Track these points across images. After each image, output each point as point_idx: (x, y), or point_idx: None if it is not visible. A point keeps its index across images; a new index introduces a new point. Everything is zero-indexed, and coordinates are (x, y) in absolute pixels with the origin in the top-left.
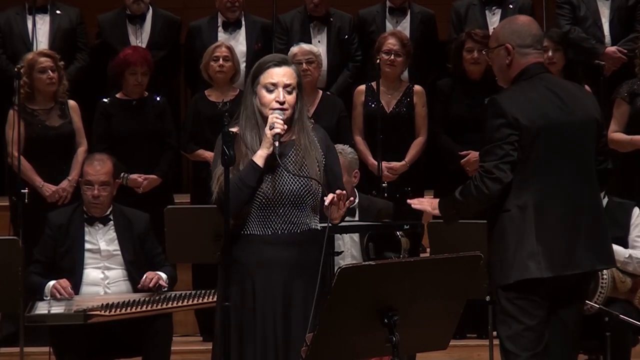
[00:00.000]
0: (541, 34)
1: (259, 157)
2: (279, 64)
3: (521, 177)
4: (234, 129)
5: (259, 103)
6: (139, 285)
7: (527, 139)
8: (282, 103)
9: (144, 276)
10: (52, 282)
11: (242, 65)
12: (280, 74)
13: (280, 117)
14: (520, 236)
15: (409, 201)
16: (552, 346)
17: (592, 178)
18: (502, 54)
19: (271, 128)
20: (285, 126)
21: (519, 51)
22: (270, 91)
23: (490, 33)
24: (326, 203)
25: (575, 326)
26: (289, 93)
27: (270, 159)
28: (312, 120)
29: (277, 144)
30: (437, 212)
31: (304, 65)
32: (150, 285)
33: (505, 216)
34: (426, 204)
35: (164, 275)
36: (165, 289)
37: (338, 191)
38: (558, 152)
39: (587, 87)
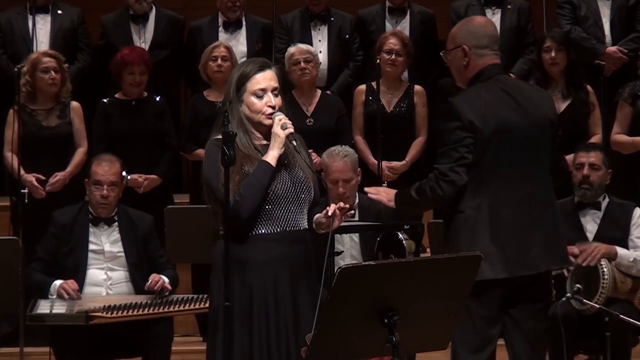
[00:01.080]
0: (497, 35)
1: (272, 158)
2: (262, 68)
3: (475, 179)
4: (219, 136)
5: (248, 110)
6: (146, 287)
7: (481, 141)
8: (273, 107)
9: (150, 278)
10: (58, 282)
11: None
12: (268, 78)
13: (286, 118)
14: (474, 237)
15: (366, 189)
16: (513, 349)
17: (546, 179)
18: (459, 55)
19: (284, 129)
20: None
21: (475, 52)
22: (260, 97)
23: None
24: (329, 213)
25: (532, 328)
26: (276, 96)
27: (280, 159)
28: (312, 120)
29: (295, 142)
30: (392, 203)
31: (302, 64)
32: (156, 288)
33: (460, 217)
34: (383, 194)
35: (166, 279)
36: (169, 292)
37: (341, 204)
38: (512, 154)
39: (588, 87)
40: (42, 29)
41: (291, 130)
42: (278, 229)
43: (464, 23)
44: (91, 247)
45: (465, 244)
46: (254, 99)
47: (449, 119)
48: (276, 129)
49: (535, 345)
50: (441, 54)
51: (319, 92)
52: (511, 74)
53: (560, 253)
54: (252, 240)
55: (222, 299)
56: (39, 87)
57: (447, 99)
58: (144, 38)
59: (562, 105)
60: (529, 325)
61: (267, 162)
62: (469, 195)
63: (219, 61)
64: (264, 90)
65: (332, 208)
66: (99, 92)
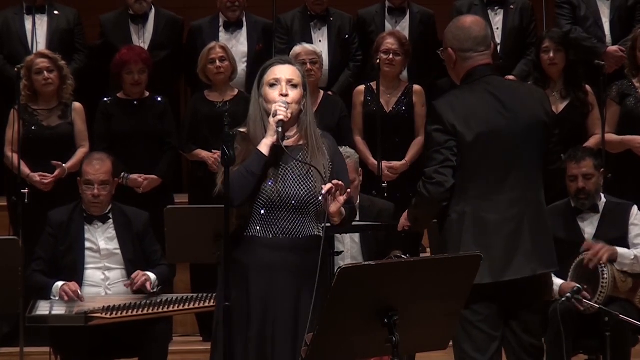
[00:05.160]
0: (484, 34)
1: (264, 145)
2: (283, 62)
3: (459, 184)
4: (243, 129)
5: (265, 102)
6: (125, 285)
7: (464, 145)
8: (285, 95)
9: (131, 277)
10: (60, 283)
11: (243, 66)
12: (283, 71)
13: (284, 106)
14: (458, 242)
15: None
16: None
17: (535, 183)
18: (447, 56)
19: (274, 115)
20: (289, 114)
21: (460, 55)
22: (273, 86)
23: (494, 32)
24: (323, 192)
25: (529, 345)
26: (293, 87)
27: (275, 149)
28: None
29: (280, 129)
30: (407, 222)
31: (308, 65)
32: (134, 288)
33: (447, 222)
34: (402, 218)
35: (152, 277)
36: (154, 291)
37: (335, 181)
38: (497, 157)
39: (587, 87)
40: (38, 30)
41: (280, 117)
42: (271, 234)
43: (452, 24)
44: (87, 245)
45: (452, 248)
46: (268, 89)
47: (431, 122)
48: (270, 117)
49: (533, 351)
50: (438, 52)
51: (321, 93)
52: (511, 76)
53: (549, 256)
54: (248, 243)
55: (221, 299)
56: (36, 88)
57: (431, 102)
58: (143, 38)
59: (560, 106)
60: (525, 341)
61: (258, 150)
62: (454, 200)
63: (217, 63)
64: (277, 80)
65: (326, 187)
66: (97, 92)
